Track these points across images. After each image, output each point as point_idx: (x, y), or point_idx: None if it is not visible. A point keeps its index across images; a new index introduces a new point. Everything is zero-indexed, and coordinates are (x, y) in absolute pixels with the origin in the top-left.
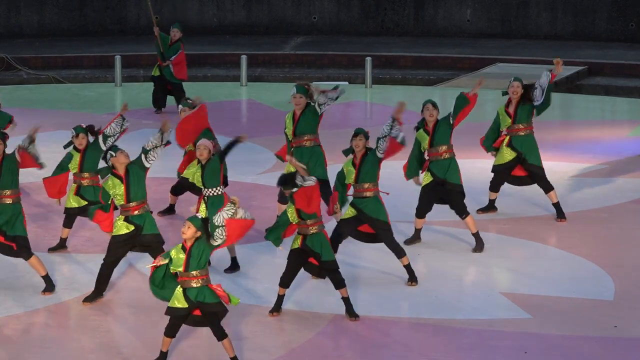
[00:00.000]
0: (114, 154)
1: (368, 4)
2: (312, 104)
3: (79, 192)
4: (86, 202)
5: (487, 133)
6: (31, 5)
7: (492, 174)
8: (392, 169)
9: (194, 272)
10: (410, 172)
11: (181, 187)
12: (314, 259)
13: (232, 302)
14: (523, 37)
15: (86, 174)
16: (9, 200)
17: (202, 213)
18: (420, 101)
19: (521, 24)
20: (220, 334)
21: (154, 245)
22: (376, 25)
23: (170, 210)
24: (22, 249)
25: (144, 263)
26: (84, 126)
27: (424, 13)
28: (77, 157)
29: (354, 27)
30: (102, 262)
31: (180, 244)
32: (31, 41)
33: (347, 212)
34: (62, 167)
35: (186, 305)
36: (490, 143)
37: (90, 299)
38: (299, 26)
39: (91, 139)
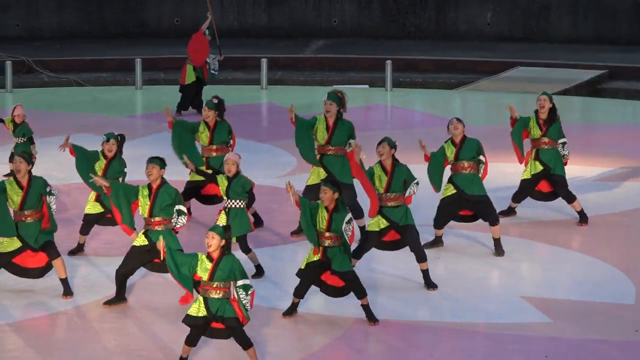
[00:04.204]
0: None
1: (389, 7)
2: (343, 112)
3: (99, 199)
4: (103, 210)
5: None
6: (51, 8)
7: (512, 178)
8: (415, 172)
9: (216, 283)
10: (438, 182)
11: (190, 191)
12: (330, 273)
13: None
14: (544, 41)
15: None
16: (31, 220)
17: (222, 222)
18: (441, 105)
19: (542, 28)
20: (246, 344)
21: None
22: (397, 29)
23: None
24: (49, 249)
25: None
26: (116, 133)
27: (444, 16)
28: (102, 164)
29: (374, 31)
30: (116, 272)
31: (206, 254)
32: (51, 44)
33: (374, 223)
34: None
35: (205, 315)
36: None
37: (112, 302)
38: (319, 29)
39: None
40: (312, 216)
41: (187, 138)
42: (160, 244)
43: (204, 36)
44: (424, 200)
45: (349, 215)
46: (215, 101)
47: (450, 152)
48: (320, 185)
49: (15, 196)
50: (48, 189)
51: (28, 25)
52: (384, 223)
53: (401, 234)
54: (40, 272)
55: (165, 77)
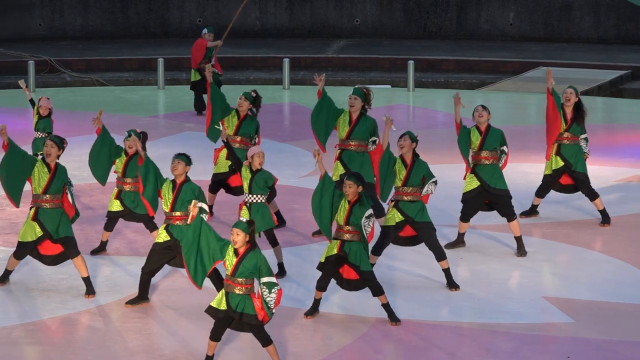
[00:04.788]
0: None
1: (410, 7)
2: (368, 108)
3: (119, 197)
4: (123, 208)
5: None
6: (74, 8)
7: (532, 178)
8: (437, 172)
9: (240, 280)
10: (467, 151)
11: (216, 184)
12: (348, 266)
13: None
14: (566, 41)
15: (129, 179)
16: (49, 205)
17: (245, 217)
18: (463, 105)
19: (564, 28)
20: (265, 341)
21: None
22: (418, 29)
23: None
24: (69, 247)
25: None
26: (139, 131)
27: (466, 16)
28: (122, 161)
29: (396, 31)
30: (141, 270)
31: (233, 248)
32: (74, 44)
33: (390, 218)
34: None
35: (225, 309)
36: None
37: (134, 302)
38: (341, 29)
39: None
40: (334, 203)
41: (218, 111)
42: (194, 209)
43: (203, 38)
44: (448, 203)
45: (370, 211)
46: (254, 94)
47: (476, 139)
48: (344, 180)
49: (41, 179)
50: (68, 179)
51: (51, 25)
52: (399, 217)
53: (417, 231)
54: (53, 260)
55: (187, 77)
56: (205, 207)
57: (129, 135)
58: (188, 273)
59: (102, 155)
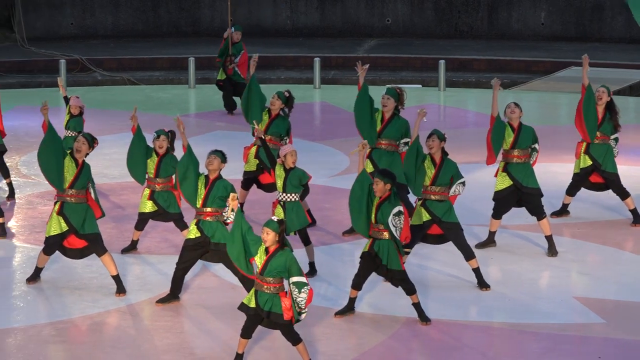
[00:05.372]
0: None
1: (441, 7)
2: (401, 109)
3: (152, 197)
4: (157, 208)
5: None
6: (106, 7)
7: (562, 178)
8: (468, 172)
9: (268, 279)
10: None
11: (248, 181)
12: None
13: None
14: (597, 41)
15: (160, 180)
16: (73, 200)
17: (279, 216)
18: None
19: (596, 27)
20: (294, 339)
21: (225, 256)
22: (450, 28)
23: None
24: (95, 245)
25: (218, 265)
26: (167, 130)
27: (497, 16)
28: (154, 161)
29: (427, 30)
30: (175, 266)
31: (264, 247)
32: (106, 42)
33: (416, 217)
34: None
35: (255, 307)
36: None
37: (165, 300)
38: (372, 29)
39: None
40: (370, 198)
41: (256, 103)
42: (233, 202)
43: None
44: (478, 202)
45: (398, 208)
46: (287, 94)
47: (508, 137)
48: (374, 177)
49: (68, 174)
50: (91, 178)
51: (82, 24)
52: (426, 216)
53: (444, 231)
54: (78, 254)
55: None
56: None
57: (158, 136)
58: (239, 268)
59: (139, 155)
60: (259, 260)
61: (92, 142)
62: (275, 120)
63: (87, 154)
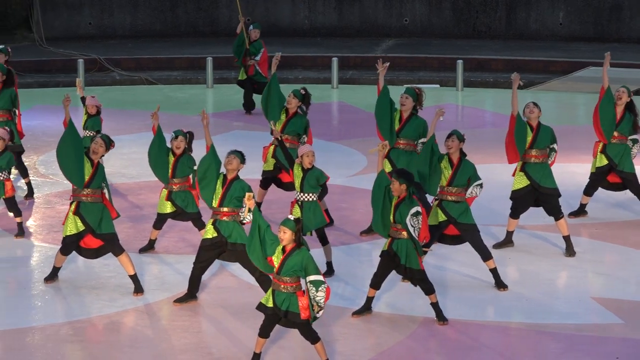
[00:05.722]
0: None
1: (459, 6)
2: (419, 109)
3: (170, 198)
4: (175, 209)
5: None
6: (124, 7)
7: (580, 178)
8: (485, 172)
9: (285, 278)
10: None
11: (267, 180)
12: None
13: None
14: (616, 41)
15: (177, 180)
16: (89, 199)
17: (296, 215)
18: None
19: (614, 28)
20: (313, 338)
21: (242, 256)
22: (467, 28)
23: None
24: (112, 244)
25: (235, 264)
26: (185, 131)
27: (515, 16)
28: (170, 161)
29: (445, 30)
30: (193, 265)
31: (282, 246)
32: (124, 42)
33: (432, 217)
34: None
35: (272, 306)
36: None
37: (182, 300)
38: (390, 28)
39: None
40: (388, 197)
41: (275, 103)
42: (249, 201)
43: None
44: (496, 202)
45: (416, 209)
46: (303, 92)
47: (527, 135)
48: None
49: (84, 173)
50: (106, 179)
51: (100, 23)
52: (442, 216)
53: (460, 232)
54: (93, 254)
55: (236, 76)
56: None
57: (176, 136)
58: (259, 267)
59: (161, 154)
60: (276, 259)
61: (109, 144)
62: (292, 119)
63: (103, 155)
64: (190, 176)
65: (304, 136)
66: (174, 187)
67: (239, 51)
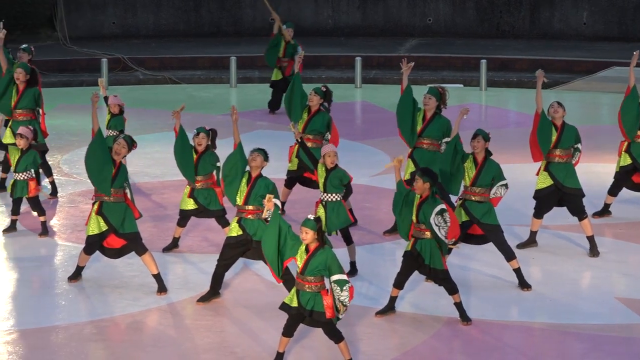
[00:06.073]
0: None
1: (483, 6)
2: (443, 108)
3: (192, 195)
4: (197, 206)
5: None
6: (147, 6)
7: (605, 178)
8: (509, 172)
9: (309, 278)
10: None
11: (292, 180)
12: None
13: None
14: None
15: (200, 177)
16: (112, 199)
17: (320, 215)
18: (535, 104)
19: (638, 27)
20: (337, 337)
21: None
22: (491, 28)
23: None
24: (135, 244)
25: (259, 264)
26: (207, 128)
27: (539, 15)
28: (193, 158)
29: (469, 30)
30: (217, 262)
31: (305, 246)
32: (147, 42)
33: (456, 215)
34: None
35: (297, 306)
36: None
37: (205, 299)
38: (413, 28)
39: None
40: (406, 204)
41: (298, 102)
42: (269, 203)
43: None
44: (520, 202)
45: (440, 207)
46: (324, 89)
47: (552, 135)
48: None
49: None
50: (128, 179)
51: (124, 23)
52: (464, 216)
53: (484, 232)
54: (116, 253)
55: (260, 75)
56: (278, 202)
57: (198, 133)
58: (271, 269)
59: (186, 154)
60: (299, 259)
61: (131, 144)
62: (314, 117)
63: (125, 155)
64: (214, 173)
65: (327, 134)
66: (196, 184)
67: (273, 52)
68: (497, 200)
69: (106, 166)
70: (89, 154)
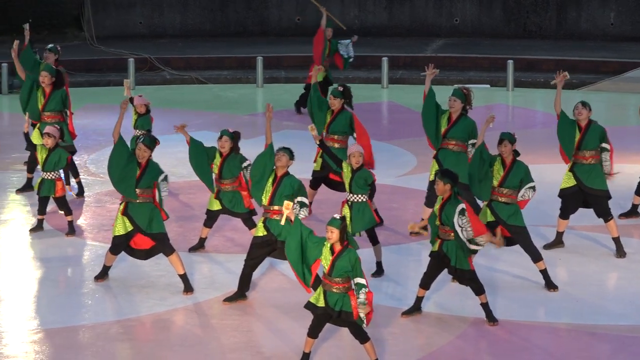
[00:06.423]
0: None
1: (510, 6)
2: (469, 109)
3: (218, 196)
4: (221, 207)
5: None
6: (174, 6)
7: (632, 179)
8: (536, 173)
9: (337, 279)
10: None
11: (317, 180)
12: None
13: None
14: None
15: (227, 181)
16: (140, 200)
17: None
18: (563, 105)
19: None
20: (362, 337)
21: None
22: (518, 28)
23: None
24: (162, 244)
25: (285, 264)
26: (231, 130)
27: (566, 16)
28: (217, 163)
29: (495, 30)
30: (244, 262)
31: (329, 246)
32: (174, 42)
33: (481, 216)
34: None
35: (324, 306)
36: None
37: (232, 299)
38: (440, 28)
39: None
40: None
41: (315, 110)
42: (287, 210)
43: (322, 34)
44: (547, 203)
45: (461, 206)
46: (341, 89)
47: (576, 135)
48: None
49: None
50: (162, 176)
51: (151, 23)
52: (490, 217)
53: (510, 233)
54: (144, 254)
55: (286, 75)
56: (306, 200)
57: (221, 136)
58: (297, 277)
59: (202, 162)
60: (325, 261)
61: (153, 145)
62: (335, 118)
63: (150, 155)
64: (242, 174)
65: (352, 132)
66: (222, 187)
67: (325, 53)
68: (524, 202)
69: (129, 173)
70: (110, 164)
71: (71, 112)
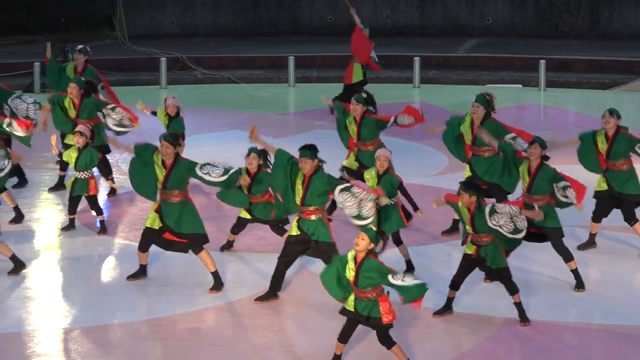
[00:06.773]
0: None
1: (542, 6)
2: (493, 113)
3: (249, 210)
4: (250, 217)
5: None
6: (206, 5)
7: None
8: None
9: (367, 289)
10: (595, 168)
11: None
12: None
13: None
14: None
15: (258, 195)
16: (175, 200)
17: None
18: (595, 105)
19: None
20: (388, 343)
21: (325, 254)
22: (550, 28)
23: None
24: (192, 242)
25: (317, 264)
26: (258, 148)
27: (599, 16)
28: (246, 180)
29: (528, 30)
30: (277, 260)
31: (353, 254)
32: (206, 41)
33: None
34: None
35: (353, 311)
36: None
37: (263, 298)
38: (472, 28)
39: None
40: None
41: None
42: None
43: (362, 31)
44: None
45: (487, 209)
46: (364, 95)
47: (602, 144)
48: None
49: (159, 173)
50: (198, 166)
51: (183, 22)
52: None
53: (546, 234)
54: (184, 247)
55: (318, 75)
56: (347, 184)
57: (248, 154)
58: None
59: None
60: (348, 271)
61: (176, 142)
62: (361, 124)
63: (177, 152)
64: (270, 189)
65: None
66: (252, 200)
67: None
68: (580, 200)
69: (146, 179)
70: (130, 174)
71: (121, 105)
